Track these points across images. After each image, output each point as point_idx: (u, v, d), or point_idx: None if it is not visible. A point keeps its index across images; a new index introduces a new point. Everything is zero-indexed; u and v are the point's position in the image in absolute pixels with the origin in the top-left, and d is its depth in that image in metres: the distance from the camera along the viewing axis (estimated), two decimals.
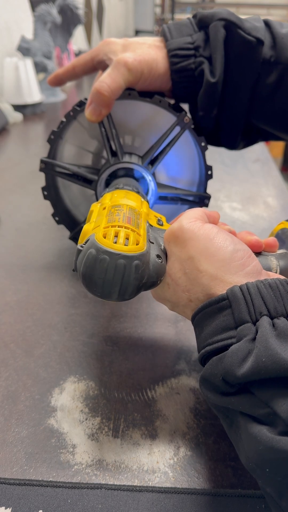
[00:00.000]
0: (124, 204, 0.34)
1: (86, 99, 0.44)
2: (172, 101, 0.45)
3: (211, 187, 0.75)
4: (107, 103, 0.41)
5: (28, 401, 0.36)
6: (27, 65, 1.20)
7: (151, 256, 0.31)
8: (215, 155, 0.93)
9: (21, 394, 0.36)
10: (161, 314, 0.46)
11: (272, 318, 0.25)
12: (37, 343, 0.42)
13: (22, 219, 0.65)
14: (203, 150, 0.46)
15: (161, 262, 0.32)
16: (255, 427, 0.23)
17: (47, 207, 0.68)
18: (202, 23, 0.42)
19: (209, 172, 0.47)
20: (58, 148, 0.49)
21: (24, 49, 1.33)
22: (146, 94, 0.44)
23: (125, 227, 0.31)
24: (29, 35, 1.48)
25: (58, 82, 0.48)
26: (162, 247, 0.33)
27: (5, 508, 0.28)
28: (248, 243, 0.34)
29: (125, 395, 0.37)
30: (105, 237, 0.30)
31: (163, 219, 0.39)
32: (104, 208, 0.34)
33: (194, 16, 0.44)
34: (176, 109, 0.45)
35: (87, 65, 0.46)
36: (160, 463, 0.31)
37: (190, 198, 0.49)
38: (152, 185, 0.46)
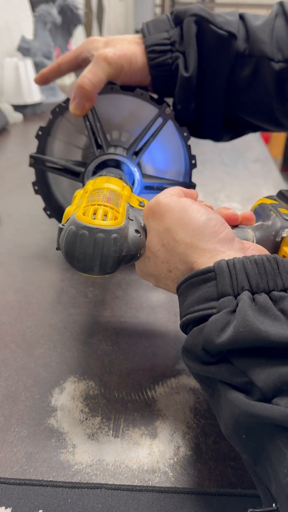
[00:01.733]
0: (105, 187, 0.36)
1: None
2: (155, 95, 0.46)
3: (212, 187, 0.76)
4: (89, 96, 0.42)
5: (28, 401, 0.36)
6: (27, 65, 1.20)
7: (130, 231, 0.32)
8: (215, 155, 0.93)
9: (21, 394, 0.36)
10: (161, 313, 0.46)
11: (253, 293, 0.26)
12: (37, 343, 0.42)
13: (22, 219, 0.65)
14: (186, 140, 0.47)
15: (140, 236, 0.33)
16: (233, 393, 0.24)
17: None
18: (178, 19, 0.43)
19: (193, 162, 0.48)
20: (47, 145, 0.50)
21: (24, 49, 1.33)
22: (129, 88, 0.45)
23: (104, 205, 0.32)
24: (29, 35, 1.48)
25: (45, 80, 0.49)
26: (142, 224, 0.35)
27: (5, 508, 0.28)
28: (225, 217, 0.35)
29: (125, 395, 0.37)
30: (84, 215, 0.31)
31: (145, 202, 0.40)
32: (86, 192, 0.35)
33: (171, 13, 0.44)
34: (158, 101, 0.46)
35: (72, 63, 0.47)
36: (160, 463, 0.31)
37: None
38: (137, 175, 0.47)
